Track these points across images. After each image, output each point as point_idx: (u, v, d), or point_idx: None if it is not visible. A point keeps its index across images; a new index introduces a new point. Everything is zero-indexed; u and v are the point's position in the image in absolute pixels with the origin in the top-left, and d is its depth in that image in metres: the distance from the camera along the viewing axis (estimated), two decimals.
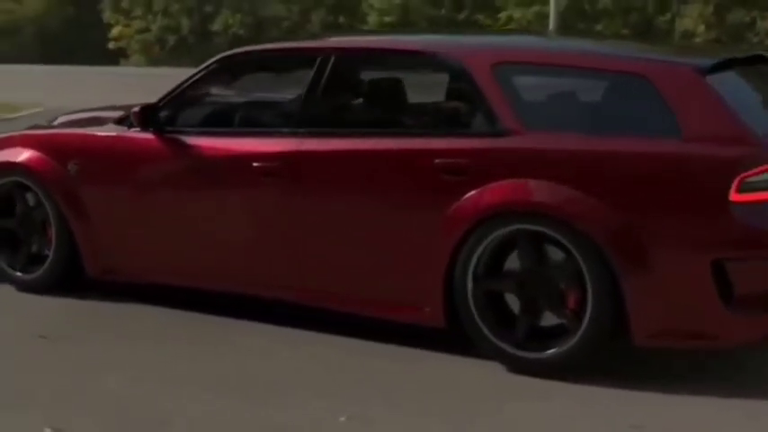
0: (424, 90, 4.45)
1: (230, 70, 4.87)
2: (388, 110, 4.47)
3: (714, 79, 3.66)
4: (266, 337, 4.32)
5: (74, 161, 4.94)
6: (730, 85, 3.73)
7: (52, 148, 5.06)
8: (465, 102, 4.02)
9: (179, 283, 4.75)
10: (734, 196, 3.45)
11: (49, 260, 5.04)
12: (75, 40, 40.21)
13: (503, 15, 30.81)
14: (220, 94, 4.96)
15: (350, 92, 4.47)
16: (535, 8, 29.04)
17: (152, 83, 9.17)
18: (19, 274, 5.13)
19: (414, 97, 4.43)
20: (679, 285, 3.53)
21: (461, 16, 32.00)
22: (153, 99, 4.81)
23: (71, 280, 5.02)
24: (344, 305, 4.28)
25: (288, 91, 4.57)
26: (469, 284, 3.88)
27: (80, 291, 4.99)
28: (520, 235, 3.77)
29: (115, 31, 39.47)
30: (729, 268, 3.47)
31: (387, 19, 31.46)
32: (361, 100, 4.47)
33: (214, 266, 4.62)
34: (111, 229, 4.86)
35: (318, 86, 4.36)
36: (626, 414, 3.42)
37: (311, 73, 4.37)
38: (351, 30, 29.74)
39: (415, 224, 4.00)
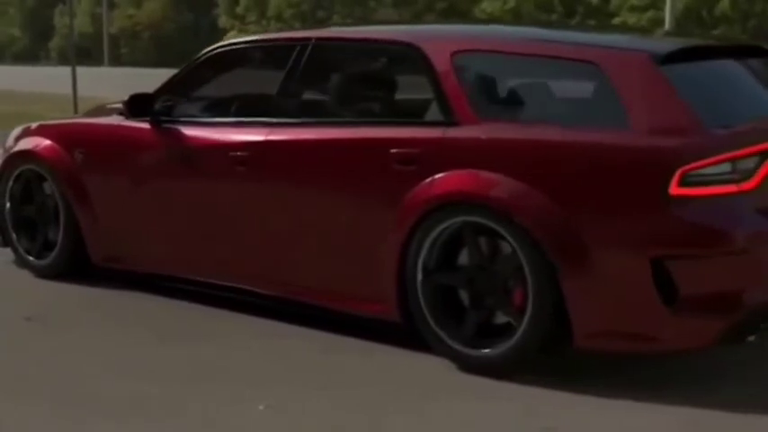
0: (392, 80, 4.44)
1: (220, 62, 4.98)
2: (349, 99, 4.48)
3: (671, 68, 3.51)
4: (245, 328, 4.39)
5: (79, 150, 5.18)
6: (689, 74, 3.56)
7: (62, 137, 5.31)
8: (424, 90, 3.98)
9: (169, 273, 4.89)
10: (674, 190, 3.30)
11: (57, 247, 5.30)
12: (191, 45, 41.81)
13: (616, 21, 30.26)
14: (211, 84, 5.08)
15: (315, 82, 4.51)
16: (650, 13, 28.38)
17: None
18: (32, 259, 5.42)
19: (377, 87, 4.44)
20: (618, 284, 3.39)
21: (573, 22, 31.58)
22: None
23: (79, 267, 5.23)
24: (309, 297, 4.31)
25: (269, 82, 4.67)
26: (419, 278, 3.85)
27: (80, 277, 5.19)
28: (466, 228, 3.73)
29: (230, 36, 40.87)
30: (671, 267, 3.31)
31: None
32: (325, 90, 4.52)
33: (196, 257, 4.75)
34: (109, 218, 5.06)
35: (289, 77, 4.46)
36: (549, 415, 3.34)
37: (288, 63, 4.49)
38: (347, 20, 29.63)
39: (372, 215, 4.00)
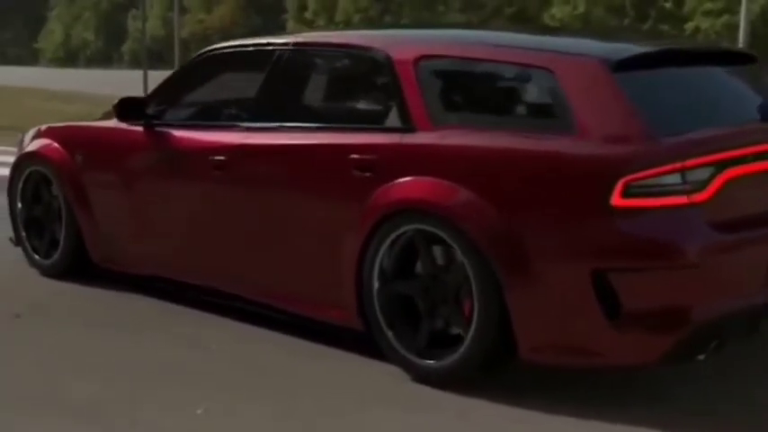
0: (358, 85, 4.45)
1: (209, 66, 5.06)
2: (316, 105, 4.51)
3: (625, 75, 3.42)
4: (214, 331, 4.44)
5: (79, 152, 5.33)
6: (645, 81, 3.47)
7: (66, 139, 5.46)
8: (386, 96, 3.97)
9: (158, 276, 4.99)
10: (616, 201, 3.21)
11: (60, 247, 5.45)
12: None
13: (689, 26, 29.68)
14: (197, 88, 5.15)
15: (287, 87, 4.52)
16: (724, 18, 27.75)
17: None
18: (38, 258, 5.58)
19: (344, 92, 4.45)
20: (562, 297, 3.32)
21: (645, 26, 31.08)
22: None
23: (82, 267, 5.36)
24: (279, 302, 4.35)
25: (249, 86, 4.74)
26: (375, 286, 3.86)
27: (83, 276, 5.33)
28: (418, 236, 3.71)
29: None
30: (614, 280, 3.23)
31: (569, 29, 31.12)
32: (294, 95, 4.54)
33: (180, 260, 4.84)
34: (105, 219, 5.19)
35: (265, 81, 4.53)
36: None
37: (266, 68, 4.55)
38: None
39: (333, 222, 4.01)
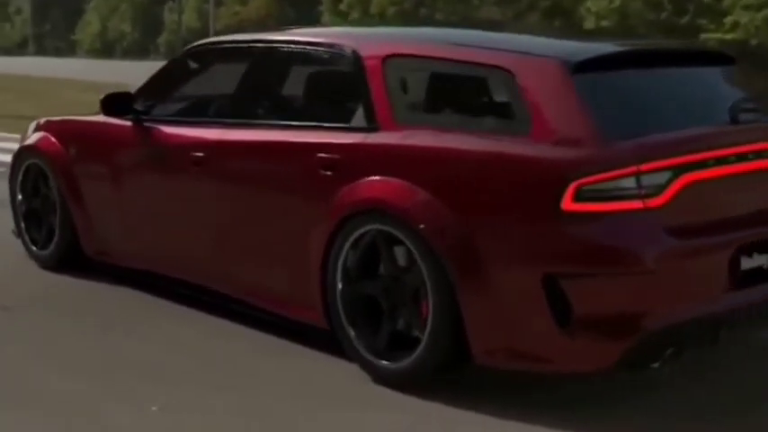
0: (328, 83, 4.45)
1: (193, 62, 5.14)
2: (287, 102, 4.54)
3: (584, 77, 3.38)
4: (191, 327, 4.50)
5: (72, 146, 5.42)
6: (605, 83, 3.43)
7: (61, 133, 5.56)
8: (355, 95, 3.97)
9: (143, 269, 5.06)
10: (567, 205, 3.18)
11: (55, 239, 5.54)
12: None
13: (728, 20, 29.18)
14: (181, 84, 5.20)
15: (261, 84, 4.57)
16: (764, 12, 27.26)
17: None
18: (35, 249, 5.68)
19: (314, 90, 4.45)
20: (513, 301, 3.31)
21: (683, 21, 30.65)
22: None
23: (76, 259, 5.43)
24: (253, 299, 4.39)
25: (228, 83, 4.78)
26: (339, 286, 3.87)
27: (71, 269, 5.41)
28: (379, 236, 3.71)
29: None
30: (565, 286, 3.20)
31: (604, 23, 30.79)
32: (267, 92, 4.57)
33: (163, 254, 4.91)
34: (95, 213, 5.27)
35: (242, 78, 4.59)
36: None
37: (243, 65, 4.60)
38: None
39: (302, 220, 4.03)
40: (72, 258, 5.45)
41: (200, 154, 4.53)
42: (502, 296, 3.34)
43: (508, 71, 3.49)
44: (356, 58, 4.00)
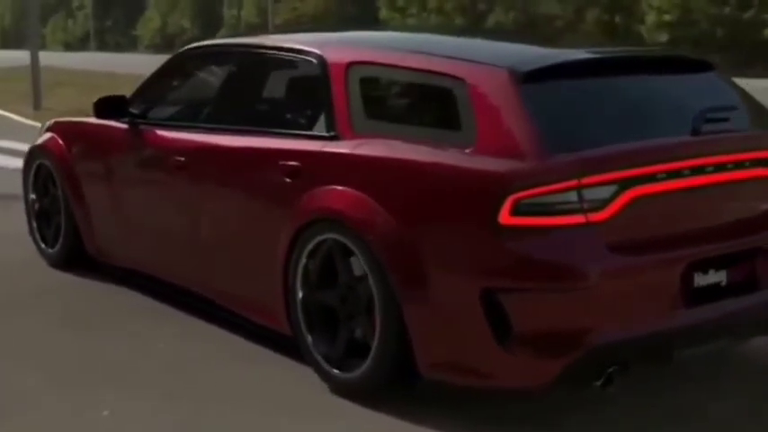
0: (296, 89, 4.48)
1: (183, 66, 5.23)
2: (257, 108, 4.57)
3: (533, 87, 3.33)
4: (166, 329, 4.59)
5: (75, 147, 5.58)
6: (555, 93, 3.37)
7: (66, 134, 5.72)
8: (320, 102, 3.98)
9: (139, 270, 5.16)
10: (505, 219, 3.15)
11: (60, 238, 5.70)
12: None
13: None
14: (173, 88, 5.30)
15: (235, 90, 4.62)
16: None
17: None
18: (44, 247, 5.86)
19: (283, 96, 4.49)
20: (454, 315, 3.29)
21: (746, 15, 29.96)
22: None
23: (81, 258, 5.56)
24: (225, 302, 4.47)
25: (212, 88, 4.85)
26: (299, 294, 3.90)
27: (77, 268, 5.58)
28: (333, 246, 3.73)
29: None
30: (504, 301, 3.17)
31: (666, 17, 30.27)
32: (240, 98, 4.61)
33: (150, 256, 5.02)
34: (96, 214, 5.40)
35: (221, 83, 4.68)
36: None
37: (221, 70, 4.69)
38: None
39: (267, 227, 4.06)
40: (77, 258, 5.59)
41: (182, 158, 4.62)
42: (444, 310, 3.33)
43: (459, 80, 3.47)
44: (322, 65, 4.03)
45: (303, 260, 3.84)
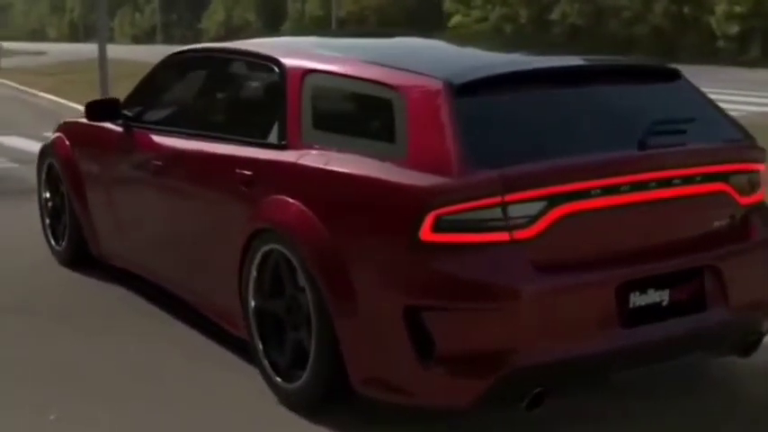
0: (257, 97, 4.51)
1: (170, 70, 5.30)
2: (220, 114, 4.65)
3: (467, 99, 3.29)
4: (140, 330, 4.70)
5: (78, 148, 5.74)
6: (491, 106, 3.32)
7: (71, 135, 5.89)
8: (277, 110, 4.00)
9: (133, 271, 5.29)
10: (425, 235, 3.12)
11: (65, 237, 5.89)
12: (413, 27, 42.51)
13: None
14: (160, 92, 5.36)
15: (204, 95, 4.74)
16: None
17: None
18: (54, 244, 6.05)
19: (244, 103, 4.54)
20: (379, 331, 3.28)
21: None
22: None
23: (86, 257, 5.72)
24: (198, 306, 4.56)
25: (185, 92, 4.94)
26: (251, 303, 3.94)
27: (82, 267, 5.75)
28: (278, 256, 3.75)
29: (454, 21, 41.26)
30: (426, 319, 3.14)
31: (737, 9, 29.55)
32: (208, 103, 4.70)
33: (140, 257, 5.15)
34: (95, 215, 5.55)
35: (197, 89, 4.81)
36: None
37: (197, 75, 4.78)
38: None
39: (226, 234, 4.10)
40: (83, 257, 5.73)
41: (159, 162, 4.71)
42: (371, 326, 3.33)
43: (396, 90, 3.45)
44: (281, 72, 4.05)
45: (254, 269, 3.89)
